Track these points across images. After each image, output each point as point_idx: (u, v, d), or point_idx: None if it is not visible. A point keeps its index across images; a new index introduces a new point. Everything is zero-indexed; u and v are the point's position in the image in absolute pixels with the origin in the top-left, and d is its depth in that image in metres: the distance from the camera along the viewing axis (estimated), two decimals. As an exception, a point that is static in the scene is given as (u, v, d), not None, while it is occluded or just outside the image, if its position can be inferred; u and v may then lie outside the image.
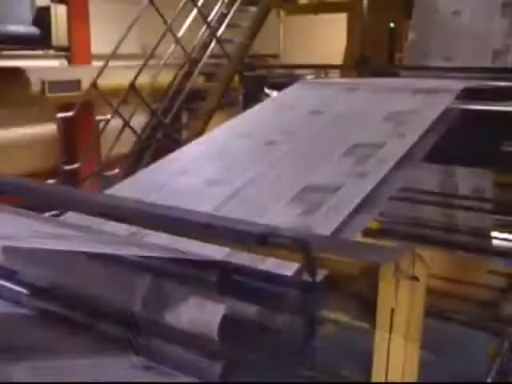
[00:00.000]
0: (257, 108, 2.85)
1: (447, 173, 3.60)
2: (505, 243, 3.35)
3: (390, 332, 0.99)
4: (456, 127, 2.61)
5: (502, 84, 2.96)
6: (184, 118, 6.31)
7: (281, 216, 1.64)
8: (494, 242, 3.46)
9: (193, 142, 2.51)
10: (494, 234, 3.45)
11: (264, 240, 1.08)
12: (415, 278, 0.99)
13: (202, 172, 2.06)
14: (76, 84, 5.76)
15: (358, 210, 1.63)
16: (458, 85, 2.74)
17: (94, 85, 4.91)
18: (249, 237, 1.11)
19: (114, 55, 5.01)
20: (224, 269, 1.26)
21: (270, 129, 2.47)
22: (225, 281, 1.25)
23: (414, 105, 2.51)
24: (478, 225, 3.46)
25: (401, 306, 0.98)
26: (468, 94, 2.74)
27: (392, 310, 0.98)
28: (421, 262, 1.02)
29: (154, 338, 1.41)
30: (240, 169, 2.02)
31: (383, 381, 1.03)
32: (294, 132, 2.38)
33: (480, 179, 3.49)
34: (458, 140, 3.10)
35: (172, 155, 2.29)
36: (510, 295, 2.59)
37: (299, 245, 1.02)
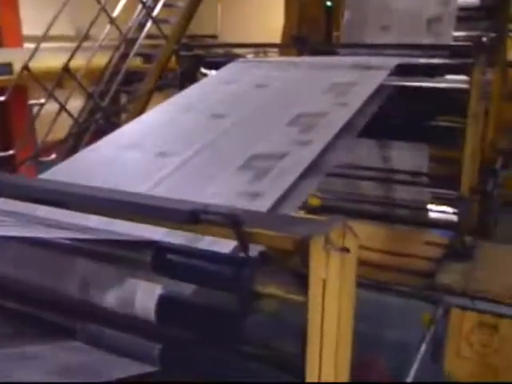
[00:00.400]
0: (199, 84, 2.86)
1: (385, 148, 3.67)
2: (441, 215, 3.45)
3: (323, 303, 1.00)
4: (392, 102, 2.67)
5: (435, 61, 3.03)
6: (123, 101, 6.19)
7: (229, 183, 1.69)
8: (431, 214, 3.56)
9: (136, 119, 2.49)
10: (431, 206, 3.55)
11: (195, 217, 1.07)
12: (346, 250, 1.00)
13: (151, 145, 2.06)
14: (7, 67, 5.56)
15: (303, 175, 1.70)
16: (393, 61, 2.80)
17: (26, 68, 4.74)
18: (180, 215, 1.10)
19: (46, 37, 4.85)
20: (159, 249, 1.25)
21: (215, 102, 2.50)
22: (160, 261, 1.24)
23: (352, 78, 2.58)
24: (415, 198, 3.54)
25: (332, 277, 0.99)
26: (402, 71, 2.80)
27: (324, 282, 0.99)
28: (351, 234, 1.03)
29: (92, 322, 1.39)
30: (188, 141, 2.05)
31: (318, 352, 1.04)
32: (239, 105, 2.43)
33: (417, 154, 3.56)
34: (394, 115, 3.17)
35: (115, 133, 2.28)
36: (446, 265, 2.68)
37: (231, 221, 1.02)
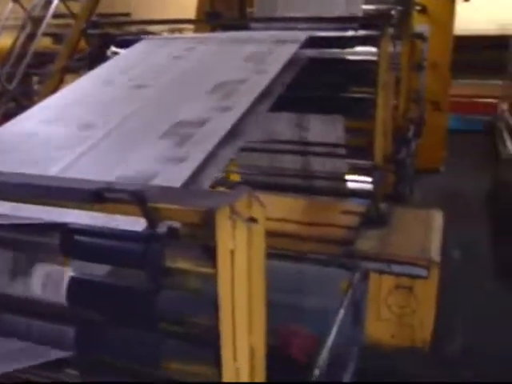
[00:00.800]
0: (114, 60, 2.83)
1: (302, 121, 3.70)
2: (358, 185, 3.54)
3: (233, 274, 1.01)
4: (306, 75, 2.71)
5: (345, 33, 3.08)
6: (35, 83, 5.94)
7: (153, 150, 1.72)
8: (349, 184, 3.65)
9: (56, 94, 2.45)
10: (349, 177, 3.63)
11: (99, 196, 1.05)
12: (252, 220, 1.01)
13: (73, 119, 2.05)
14: None
15: (225, 139, 1.77)
16: (304, 34, 2.83)
17: None
18: (84, 195, 1.07)
19: None
20: (67, 231, 1.21)
21: (134, 75, 2.50)
22: (68, 243, 1.21)
23: (266, 50, 2.63)
24: (333, 169, 3.61)
25: (240, 248, 0.99)
26: (314, 43, 2.84)
27: (232, 253, 0.99)
28: (258, 205, 1.04)
29: (4, 311, 1.35)
30: (111, 112, 2.07)
31: (231, 323, 1.05)
32: (159, 75, 2.45)
33: (333, 126, 3.62)
34: (308, 88, 3.21)
35: (36, 108, 2.24)
36: (363, 232, 2.76)
37: (135, 198, 1.00)
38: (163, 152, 1.70)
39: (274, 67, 2.38)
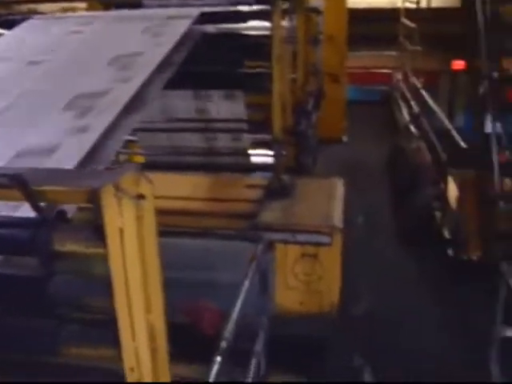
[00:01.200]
0: (7, 36, 2.72)
1: (203, 98, 3.69)
2: (260, 159, 3.59)
3: (123, 253, 0.99)
4: (202, 51, 2.70)
5: (239, 8, 3.08)
6: None
7: (54, 122, 1.71)
8: (252, 159, 3.69)
9: None
10: (252, 151, 3.67)
11: (-23, 182, 1.00)
12: (140, 197, 1.00)
13: None
14: None
15: (127, 109, 1.78)
16: (197, 10, 2.81)
17: None
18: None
19: None
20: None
21: (28, 51, 2.43)
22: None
23: (161, 24, 2.61)
24: (236, 145, 3.63)
25: (129, 225, 0.98)
26: (209, 18, 2.83)
27: (121, 231, 0.98)
28: (146, 181, 1.03)
29: None
30: (7, 87, 2.03)
31: (126, 302, 1.04)
32: (55, 51, 2.40)
33: (233, 101, 3.63)
34: (206, 64, 3.20)
35: None
36: (267, 204, 2.79)
37: (16, 182, 0.96)
38: (64, 124, 1.68)
39: (169, 40, 2.39)
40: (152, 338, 1.12)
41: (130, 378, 1.10)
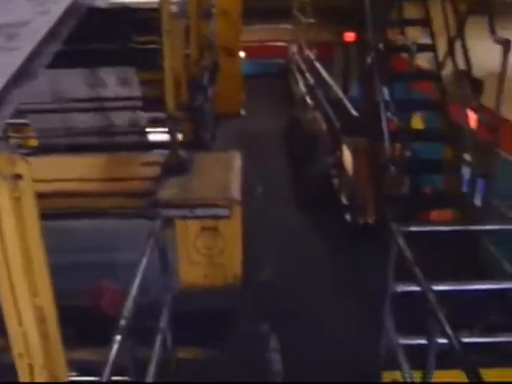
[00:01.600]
0: None
1: (93, 76, 3.59)
2: (157, 136, 3.55)
3: (1, 234, 0.97)
4: (91, 28, 2.60)
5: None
6: None
7: None
8: (150, 136, 3.64)
9: None
10: (149, 129, 3.61)
11: None
12: (17, 177, 0.97)
13: None
14: None
15: (14, 80, 1.67)
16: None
17: None
18: None
19: None
20: None
21: None
22: None
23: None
24: (130, 124, 3.57)
25: (5, 205, 0.95)
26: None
27: (-3, 213, 0.95)
28: (23, 162, 1.00)
29: None
30: None
31: (9, 286, 1.01)
32: None
33: (126, 78, 3.56)
34: (96, 41, 3.10)
35: None
36: (164, 181, 2.77)
37: None
38: None
39: (55, 9, 2.28)
40: (41, 321, 1.10)
41: (20, 364, 1.08)
